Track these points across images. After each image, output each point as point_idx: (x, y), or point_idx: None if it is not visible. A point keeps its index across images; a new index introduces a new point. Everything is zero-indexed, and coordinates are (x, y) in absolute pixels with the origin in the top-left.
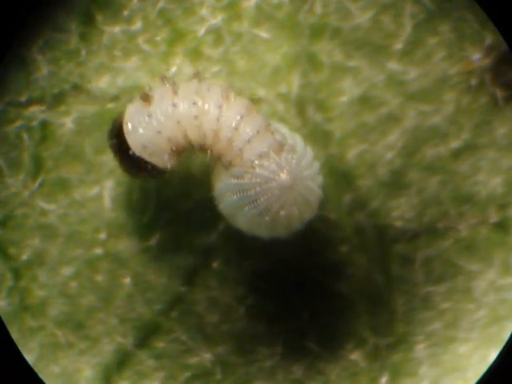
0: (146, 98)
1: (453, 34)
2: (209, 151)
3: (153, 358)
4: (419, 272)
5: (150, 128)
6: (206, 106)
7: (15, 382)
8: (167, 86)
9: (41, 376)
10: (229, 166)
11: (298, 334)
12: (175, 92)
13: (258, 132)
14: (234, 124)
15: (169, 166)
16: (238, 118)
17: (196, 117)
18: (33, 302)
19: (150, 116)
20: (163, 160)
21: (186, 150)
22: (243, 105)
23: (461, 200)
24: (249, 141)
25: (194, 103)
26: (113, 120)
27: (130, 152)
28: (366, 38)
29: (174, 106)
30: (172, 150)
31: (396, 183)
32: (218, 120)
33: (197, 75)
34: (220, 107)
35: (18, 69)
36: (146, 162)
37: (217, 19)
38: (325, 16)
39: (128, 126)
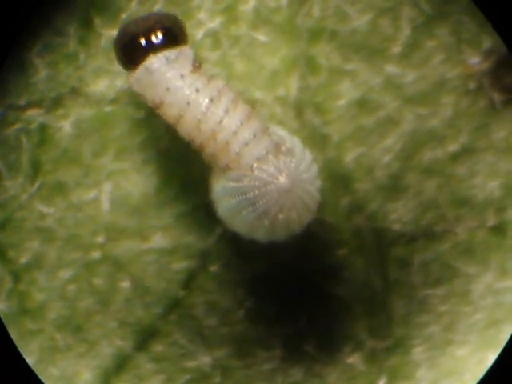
0: (195, 67)
1: (451, 38)
2: (202, 151)
3: (152, 362)
4: (417, 275)
5: (169, 80)
6: (216, 106)
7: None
8: (208, 74)
9: (41, 378)
10: (226, 169)
11: (297, 337)
12: (208, 82)
13: (255, 135)
14: (234, 128)
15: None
16: (239, 123)
17: (204, 113)
18: (32, 305)
19: (182, 77)
20: (137, 87)
21: (161, 119)
22: (245, 111)
23: (458, 203)
24: (246, 144)
25: (212, 100)
26: (174, 17)
27: (137, 52)
28: (363, 41)
29: (197, 91)
30: (152, 103)
31: (394, 186)
32: (220, 122)
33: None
34: (226, 111)
35: (16, 72)
36: (130, 65)
37: (215, 22)
38: (323, 19)
39: (168, 56)
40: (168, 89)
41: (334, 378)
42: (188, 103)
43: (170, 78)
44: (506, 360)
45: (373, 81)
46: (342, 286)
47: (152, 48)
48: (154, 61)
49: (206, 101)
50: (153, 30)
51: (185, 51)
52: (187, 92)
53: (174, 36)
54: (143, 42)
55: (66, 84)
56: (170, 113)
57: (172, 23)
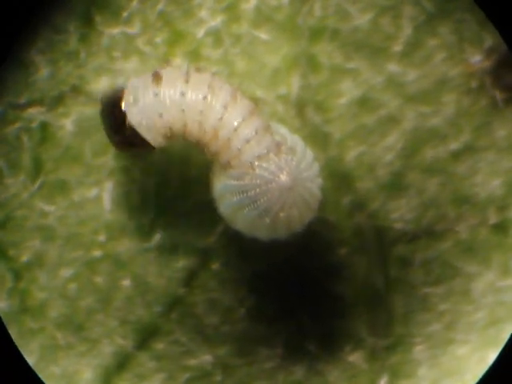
0: (157, 77)
1: (453, 36)
2: (205, 148)
3: (153, 360)
4: (418, 273)
5: (153, 107)
6: (214, 102)
7: (16, 383)
8: (179, 72)
9: (41, 377)
10: (227, 166)
11: (298, 336)
12: (187, 80)
13: (256, 133)
14: (235, 124)
15: (158, 146)
16: (240, 119)
17: (201, 112)
18: (33, 304)
19: (156, 95)
20: (155, 139)
21: (178, 138)
22: (247, 107)
23: (460, 202)
24: (248, 141)
25: (204, 98)
26: (109, 92)
27: (124, 123)
28: (365, 39)
29: (183, 94)
30: (166, 134)
31: (395, 185)
32: (220, 119)
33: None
34: (226, 107)
35: (17, 70)
36: (137, 137)
37: (216, 21)
38: (324, 18)
39: (130, 98)
40: (160, 114)
41: (335, 376)
42: (182, 110)
43: (150, 105)
44: (506, 359)
45: (374, 79)
46: (344, 284)
47: (120, 117)
48: (129, 112)
49: (199, 98)
50: (114, 114)
51: (132, 82)
52: (175, 100)
53: (117, 95)
54: (120, 125)
55: (66, 82)
56: (177, 129)
57: (110, 96)
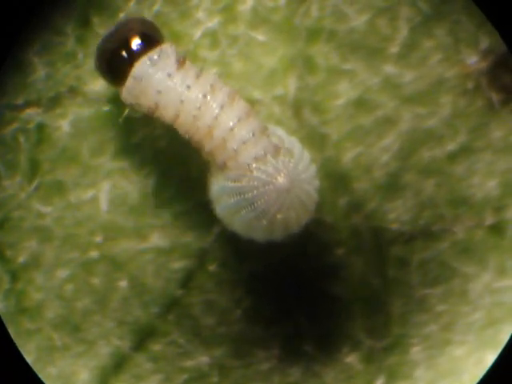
0: (181, 63)
1: (449, 37)
2: (200, 148)
3: (150, 361)
4: (415, 274)
5: (158, 83)
6: (211, 102)
7: (16, 382)
8: (194, 67)
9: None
10: (223, 167)
11: (295, 337)
12: (198, 76)
13: (253, 134)
14: (230, 125)
15: (127, 103)
16: (236, 120)
17: (199, 108)
18: (29, 305)
19: (169, 76)
20: (134, 100)
21: (156, 121)
22: (243, 108)
23: (456, 202)
24: (244, 142)
25: (204, 96)
26: (145, 20)
27: (121, 63)
28: (361, 40)
29: (188, 87)
30: (149, 108)
31: (392, 186)
32: (215, 118)
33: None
34: (222, 107)
35: (14, 71)
36: (119, 80)
37: (213, 22)
38: (321, 19)
39: (151, 57)
40: (159, 91)
41: (332, 377)
42: (181, 101)
43: (159, 80)
44: (505, 361)
45: (371, 80)
46: (341, 285)
47: (134, 56)
48: (139, 67)
49: (200, 96)
50: (129, 39)
51: (165, 49)
52: (179, 90)
53: (151, 38)
54: (123, 53)
55: (63, 83)
56: (166, 114)
57: (144, 26)
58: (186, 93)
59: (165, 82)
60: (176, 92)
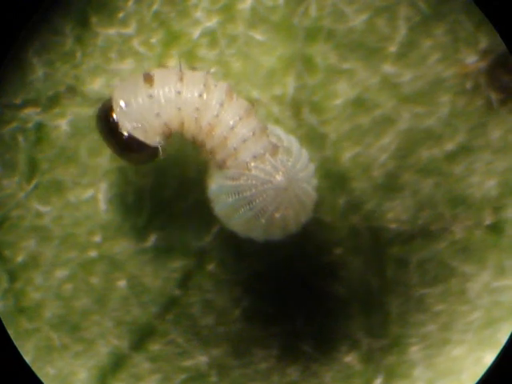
0: (148, 79)
1: (448, 37)
2: (201, 147)
3: (148, 361)
4: (414, 274)
5: (149, 108)
6: (209, 100)
7: (15, 381)
8: (172, 71)
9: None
10: (223, 165)
11: (294, 337)
12: (181, 79)
13: (253, 133)
14: (231, 123)
15: (158, 145)
16: (237, 118)
17: (197, 109)
18: (28, 305)
19: (151, 97)
20: (152, 139)
21: (176, 135)
22: (243, 106)
23: (455, 202)
24: (244, 141)
25: (200, 95)
26: (100, 105)
27: (121, 131)
28: (360, 40)
29: (179, 93)
30: (164, 133)
31: (390, 185)
32: (217, 116)
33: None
34: (222, 105)
35: (13, 71)
36: (137, 142)
37: (212, 21)
38: (320, 18)
39: (119, 104)
40: (157, 114)
41: (331, 377)
42: (179, 109)
43: (145, 106)
44: (504, 360)
45: (369, 80)
46: (339, 285)
47: (114, 127)
48: (122, 118)
49: (195, 96)
50: (107, 125)
51: (119, 87)
52: (171, 99)
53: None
54: (116, 135)
55: (62, 83)
56: (174, 127)
57: (103, 106)
58: (178, 100)
59: (152, 102)
60: (168, 104)
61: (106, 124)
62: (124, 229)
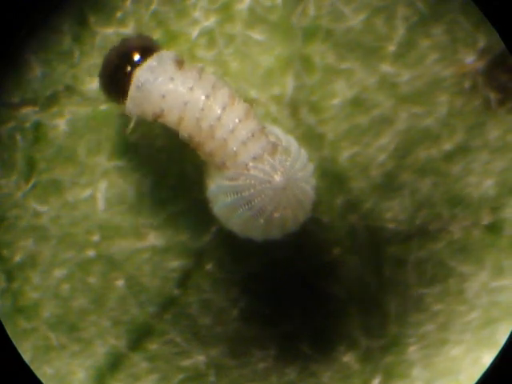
0: (180, 65)
1: (446, 37)
2: (200, 148)
3: (146, 361)
4: (411, 274)
5: (162, 87)
6: (214, 103)
7: (14, 381)
8: (195, 68)
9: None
10: (222, 167)
11: (291, 337)
12: (199, 78)
13: (252, 135)
14: (231, 126)
15: (131, 113)
16: (237, 121)
17: (202, 109)
18: (25, 304)
19: (171, 80)
20: (138, 108)
21: (163, 125)
22: (243, 109)
23: (453, 202)
24: (244, 143)
25: (207, 97)
26: (139, 36)
27: (122, 76)
28: (358, 40)
29: (191, 89)
30: (154, 114)
31: (388, 185)
32: (218, 119)
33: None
34: (224, 108)
35: (10, 70)
36: (123, 88)
37: (210, 21)
38: (318, 18)
39: (151, 63)
40: (163, 96)
41: (329, 377)
42: (185, 103)
43: (161, 84)
44: (502, 360)
45: (368, 80)
46: (337, 284)
47: (133, 68)
48: (140, 75)
49: (202, 97)
50: (127, 53)
51: (163, 55)
52: (182, 92)
53: (148, 49)
54: (123, 67)
55: (60, 82)
56: (171, 118)
57: (139, 40)
58: (189, 94)
59: (167, 86)
60: (179, 94)
61: (124, 54)
62: (122, 228)
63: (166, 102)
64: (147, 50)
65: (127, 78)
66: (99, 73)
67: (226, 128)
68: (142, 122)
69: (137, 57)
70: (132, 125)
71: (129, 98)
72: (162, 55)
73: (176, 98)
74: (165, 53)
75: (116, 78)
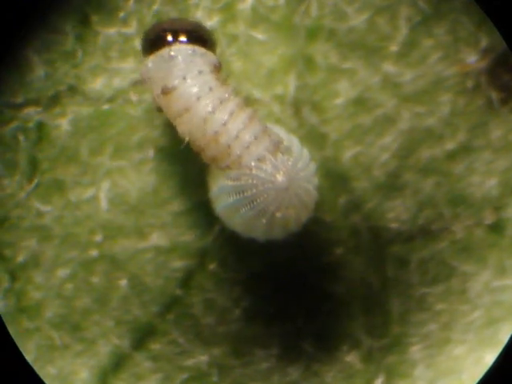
0: (217, 69)
1: (448, 36)
2: (202, 153)
3: (149, 360)
4: (414, 273)
5: (188, 69)
6: (223, 108)
7: (17, 381)
8: (223, 72)
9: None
10: (226, 169)
11: (294, 336)
12: (222, 84)
13: (256, 137)
14: (235, 132)
15: (142, 75)
16: (241, 126)
17: (211, 112)
18: (29, 304)
19: (200, 73)
20: (152, 75)
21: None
22: (248, 114)
23: (456, 201)
24: (247, 147)
25: (221, 101)
26: (203, 27)
27: (161, 42)
28: (361, 39)
29: (211, 89)
30: (163, 89)
31: (391, 185)
32: (224, 125)
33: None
34: (231, 114)
35: (13, 70)
36: (146, 52)
37: (212, 21)
38: (320, 18)
39: (188, 47)
40: (185, 78)
41: (332, 376)
42: (198, 98)
43: (191, 69)
44: (505, 360)
45: (370, 79)
46: (340, 284)
47: (179, 40)
48: (183, 48)
49: (216, 101)
50: (184, 29)
51: (210, 55)
52: (201, 86)
53: (202, 39)
54: (173, 33)
55: (63, 82)
56: (175, 104)
57: (200, 29)
58: (205, 92)
59: (194, 73)
60: (197, 87)
61: (176, 30)
62: (125, 228)
63: (183, 86)
64: (200, 38)
65: (168, 41)
66: (150, 26)
67: (230, 134)
68: (144, 121)
69: (186, 36)
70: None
71: (157, 55)
72: (209, 54)
73: (192, 88)
74: (212, 55)
75: (159, 35)
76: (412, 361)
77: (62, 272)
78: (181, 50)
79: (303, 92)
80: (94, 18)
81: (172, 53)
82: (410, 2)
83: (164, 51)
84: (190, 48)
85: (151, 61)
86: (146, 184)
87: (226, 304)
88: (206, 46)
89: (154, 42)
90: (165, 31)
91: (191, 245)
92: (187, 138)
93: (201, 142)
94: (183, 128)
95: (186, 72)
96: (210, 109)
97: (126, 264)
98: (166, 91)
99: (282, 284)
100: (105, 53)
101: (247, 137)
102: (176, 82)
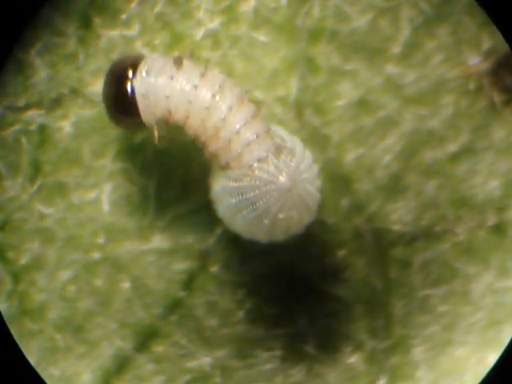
0: (179, 62)
1: (451, 38)
2: (204, 148)
3: (152, 362)
4: (417, 275)
5: (164, 88)
6: (220, 102)
7: (20, 382)
8: (198, 66)
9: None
10: (226, 167)
11: (297, 338)
12: (203, 75)
13: (257, 136)
14: (237, 127)
15: (147, 124)
16: (243, 122)
17: (207, 108)
18: (32, 306)
19: (171, 79)
20: (148, 116)
21: (171, 127)
22: (250, 110)
23: (458, 203)
24: (248, 144)
25: (213, 96)
26: (123, 56)
27: (126, 90)
28: (363, 41)
29: (195, 87)
30: (163, 117)
31: (394, 187)
32: (223, 120)
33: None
34: (231, 109)
35: (15, 73)
36: (132, 108)
37: (214, 23)
38: (322, 19)
39: (145, 69)
40: (167, 96)
41: (334, 378)
42: (190, 101)
43: (163, 85)
44: (507, 361)
45: (373, 81)
46: (342, 286)
47: (132, 84)
48: (139, 82)
49: (208, 95)
50: (118, 75)
51: (153, 58)
52: (186, 90)
53: (135, 61)
54: (122, 88)
55: (65, 84)
56: (178, 117)
57: (123, 59)
58: (193, 93)
59: (170, 85)
60: (183, 92)
61: (117, 77)
62: (127, 230)
63: (171, 103)
64: (134, 62)
65: (133, 97)
66: (108, 114)
67: (231, 128)
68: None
69: (130, 73)
70: (156, 133)
71: (141, 112)
72: (151, 59)
73: (180, 97)
74: (154, 56)
75: (121, 101)
76: (414, 362)
77: (65, 274)
78: (142, 82)
79: (305, 94)
80: (96, 21)
81: (142, 92)
82: (412, 4)
83: (139, 103)
84: (143, 73)
85: (143, 117)
86: (148, 186)
87: (229, 306)
88: (140, 57)
89: (125, 110)
90: (118, 96)
91: (193, 247)
92: (193, 137)
93: (204, 138)
94: (190, 130)
95: (163, 91)
96: (205, 104)
97: (128, 266)
98: (166, 118)
99: (284, 286)
100: (107, 55)
101: (248, 134)
102: (165, 105)
